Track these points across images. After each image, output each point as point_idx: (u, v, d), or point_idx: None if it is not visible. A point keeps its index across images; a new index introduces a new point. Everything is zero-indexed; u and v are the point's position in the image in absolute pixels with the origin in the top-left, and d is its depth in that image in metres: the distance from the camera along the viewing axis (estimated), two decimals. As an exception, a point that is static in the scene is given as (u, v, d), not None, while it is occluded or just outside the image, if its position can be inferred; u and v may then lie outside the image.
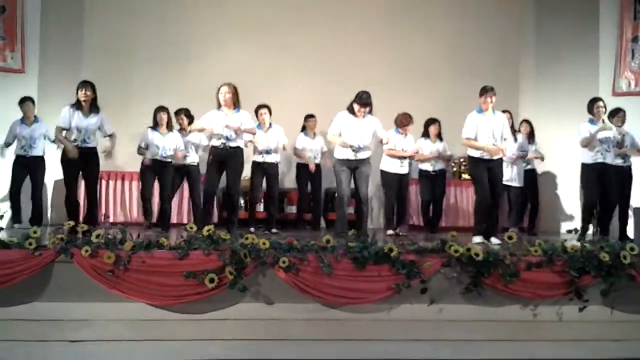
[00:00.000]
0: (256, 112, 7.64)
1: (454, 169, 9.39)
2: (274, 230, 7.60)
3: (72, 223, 5.03)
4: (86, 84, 6.52)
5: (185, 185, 8.13)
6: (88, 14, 9.03)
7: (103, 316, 4.68)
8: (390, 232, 7.66)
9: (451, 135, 7.92)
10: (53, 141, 7.30)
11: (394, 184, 7.80)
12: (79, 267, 4.62)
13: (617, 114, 7.41)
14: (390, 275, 4.77)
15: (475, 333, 4.87)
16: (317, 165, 8.33)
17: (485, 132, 6.51)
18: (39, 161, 7.50)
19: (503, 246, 5.14)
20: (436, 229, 8.14)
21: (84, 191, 6.78)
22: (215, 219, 8.38)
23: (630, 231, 7.12)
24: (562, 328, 4.92)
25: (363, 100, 6.58)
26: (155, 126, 7.38)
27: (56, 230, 4.95)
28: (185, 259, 4.69)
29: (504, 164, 7.16)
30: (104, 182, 8.55)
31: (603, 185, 7.08)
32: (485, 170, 6.52)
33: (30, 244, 4.64)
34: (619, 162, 7.21)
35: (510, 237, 5.12)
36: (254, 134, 7.08)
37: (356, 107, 6.60)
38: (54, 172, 7.54)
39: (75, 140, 6.45)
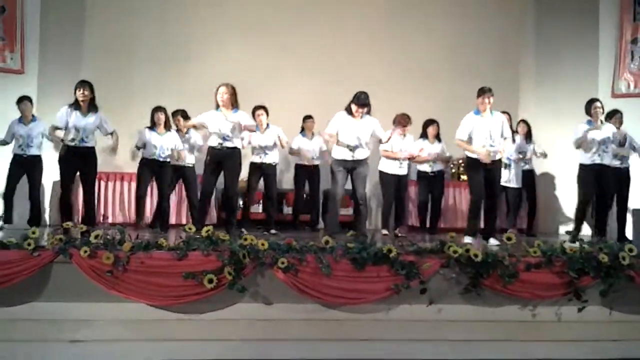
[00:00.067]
0: (253, 113, 7.63)
1: (453, 170, 9.39)
2: (272, 231, 7.59)
3: (70, 224, 5.03)
4: (84, 84, 6.51)
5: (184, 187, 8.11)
6: (88, 14, 9.04)
7: (102, 316, 4.68)
8: (384, 232, 7.66)
9: (451, 136, 7.84)
10: (51, 140, 7.30)
11: (392, 185, 7.81)
12: (78, 268, 4.62)
13: (614, 116, 7.42)
14: (389, 276, 4.78)
15: (474, 333, 4.88)
16: (316, 167, 8.33)
17: (481, 133, 6.51)
18: (37, 161, 7.49)
19: (502, 247, 5.13)
20: (435, 229, 8.14)
21: (82, 191, 6.72)
22: (214, 219, 8.44)
23: (628, 232, 7.12)
24: (561, 328, 4.93)
25: (361, 100, 6.56)
26: (153, 126, 7.38)
27: (55, 231, 4.95)
28: (184, 260, 4.69)
29: (503, 165, 7.17)
30: (102, 183, 8.54)
31: (601, 186, 7.07)
32: (482, 172, 6.52)
33: (29, 244, 4.64)
34: (616, 163, 7.21)
35: (509, 238, 5.12)
36: (253, 131, 7.06)
37: (354, 107, 6.58)
38: (52, 173, 7.53)
39: (73, 139, 6.44)
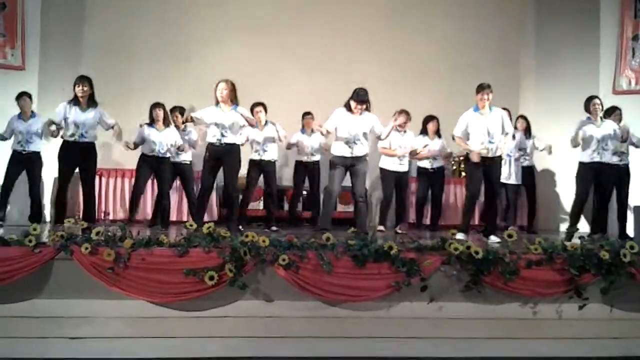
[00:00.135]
0: (251, 110, 7.62)
1: (454, 167, 9.39)
2: (273, 228, 7.60)
3: (71, 220, 5.03)
4: (83, 79, 6.51)
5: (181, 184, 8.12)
6: (89, 12, 9.05)
7: (103, 313, 4.68)
8: (380, 227, 7.65)
9: (451, 134, 7.91)
10: (42, 136, 7.32)
11: (392, 182, 7.82)
12: (79, 265, 4.62)
13: (613, 112, 7.40)
14: (390, 273, 4.77)
15: (475, 331, 4.88)
16: (316, 163, 8.32)
17: (479, 130, 6.52)
18: (36, 157, 7.46)
19: (503, 244, 5.13)
20: (436, 226, 8.14)
21: (81, 187, 6.70)
22: (215, 216, 8.45)
23: (630, 229, 7.13)
24: (562, 326, 4.93)
25: (360, 97, 6.54)
26: (152, 122, 7.38)
27: (56, 228, 4.95)
28: (185, 257, 4.69)
29: (503, 162, 7.18)
30: (103, 179, 8.56)
31: (600, 184, 7.07)
32: (481, 168, 6.53)
33: (30, 241, 4.64)
34: (615, 160, 7.18)
35: (510, 235, 5.12)
36: (252, 126, 7.06)
37: (353, 104, 6.57)
38: (53, 169, 7.52)
39: (72, 135, 6.43)
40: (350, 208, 8.10)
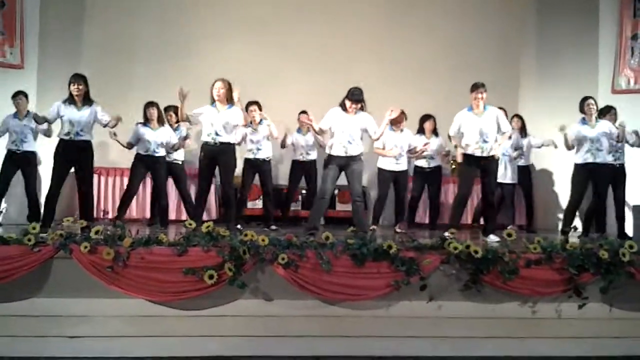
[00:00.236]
0: (246, 108, 7.61)
1: (453, 167, 9.38)
2: (272, 227, 7.59)
3: (70, 219, 5.01)
4: (78, 77, 6.46)
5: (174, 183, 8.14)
6: (88, 11, 9.04)
7: (102, 312, 4.69)
8: (373, 227, 7.65)
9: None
10: (47, 135, 7.30)
11: (388, 181, 7.82)
12: (78, 263, 4.62)
13: (608, 112, 7.40)
14: (389, 272, 4.78)
15: (474, 330, 4.89)
16: (312, 162, 8.31)
17: (472, 129, 6.53)
18: (31, 157, 7.44)
19: (502, 243, 5.13)
20: (435, 226, 8.13)
21: (77, 186, 6.63)
22: (214, 215, 8.44)
23: (629, 229, 7.12)
24: (561, 325, 4.94)
25: (355, 96, 6.51)
26: (146, 122, 7.38)
27: (55, 226, 4.95)
28: (184, 256, 4.70)
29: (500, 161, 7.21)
30: (102, 179, 8.57)
31: (595, 185, 7.08)
32: (474, 168, 6.55)
33: (29, 239, 4.64)
34: (610, 160, 7.17)
35: (509, 235, 5.12)
36: (244, 125, 7.06)
37: (348, 103, 6.54)
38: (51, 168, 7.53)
39: (68, 133, 6.41)
40: (350, 207, 8.08)
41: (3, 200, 7.39)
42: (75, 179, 6.55)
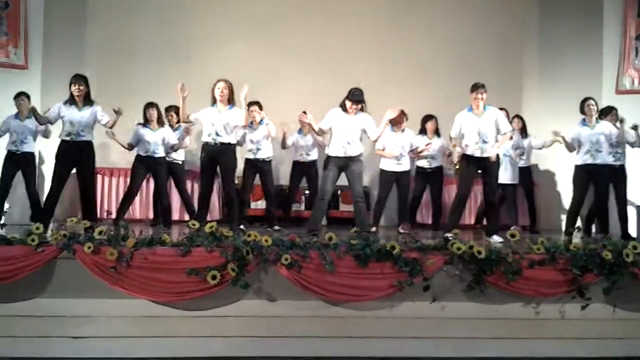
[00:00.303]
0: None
1: (457, 167, 9.36)
2: (276, 227, 7.60)
3: (73, 219, 5.03)
4: (79, 78, 6.47)
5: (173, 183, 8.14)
6: (91, 12, 9.06)
7: (105, 312, 4.69)
8: (373, 228, 7.63)
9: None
10: (45, 136, 7.29)
11: (390, 182, 7.81)
12: (82, 264, 4.62)
13: (609, 113, 7.38)
14: (392, 273, 4.77)
15: (477, 331, 4.87)
16: (313, 163, 8.31)
17: (471, 130, 6.54)
18: (31, 158, 7.45)
19: (505, 244, 5.12)
20: (438, 226, 8.13)
21: (79, 187, 6.61)
22: (217, 215, 8.45)
23: (631, 229, 7.12)
24: (565, 326, 4.92)
25: (355, 97, 6.51)
26: (146, 123, 7.38)
27: (59, 227, 4.95)
28: (187, 256, 4.70)
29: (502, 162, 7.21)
30: (106, 179, 8.59)
31: (595, 186, 7.08)
32: (473, 168, 6.56)
33: (33, 240, 4.65)
34: (610, 160, 7.16)
35: (512, 235, 5.11)
36: (245, 126, 7.07)
37: (348, 103, 6.54)
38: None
39: (69, 134, 6.42)
40: (352, 207, 8.09)
41: (6, 200, 7.39)
42: (77, 180, 6.55)
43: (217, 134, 6.58)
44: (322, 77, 9.15)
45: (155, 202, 8.09)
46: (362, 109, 6.62)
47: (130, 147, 7.39)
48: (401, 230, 7.68)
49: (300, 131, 8.36)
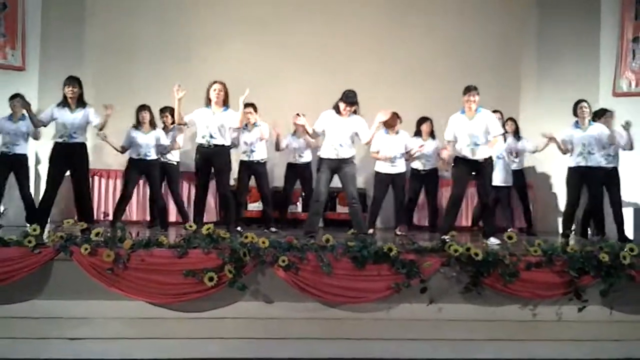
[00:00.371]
0: None
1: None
2: (272, 229, 7.59)
3: (70, 221, 5.01)
4: (73, 80, 6.46)
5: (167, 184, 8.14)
6: (89, 12, 9.04)
7: (102, 314, 4.69)
8: (370, 231, 7.64)
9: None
10: (35, 137, 7.32)
11: (385, 184, 7.81)
12: (79, 265, 4.63)
13: (602, 115, 7.38)
14: (389, 275, 4.78)
15: (474, 332, 4.88)
16: (307, 165, 8.31)
17: (462, 132, 6.55)
18: (22, 159, 7.41)
19: (502, 246, 5.13)
20: (435, 228, 8.12)
21: (73, 189, 6.57)
22: (214, 217, 8.44)
23: (628, 231, 7.11)
24: (562, 328, 4.93)
25: (349, 98, 6.50)
26: (138, 125, 7.38)
27: (56, 228, 4.95)
28: (184, 258, 4.70)
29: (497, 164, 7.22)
30: (103, 181, 8.58)
31: (589, 188, 7.09)
32: (466, 170, 6.56)
33: (30, 241, 4.65)
34: (603, 163, 7.16)
35: (510, 237, 5.11)
36: (239, 128, 7.08)
37: (342, 105, 6.53)
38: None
39: (61, 136, 6.41)
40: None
41: (1, 202, 7.37)
42: (71, 182, 6.54)
43: (211, 136, 6.59)
44: (322, 77, 9.13)
45: (152, 204, 8.09)
46: (355, 111, 6.61)
47: (123, 149, 7.40)
48: (398, 232, 7.68)
49: (294, 133, 8.35)
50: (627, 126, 7.07)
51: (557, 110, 8.65)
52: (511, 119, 8.49)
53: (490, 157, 6.63)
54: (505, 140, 8.00)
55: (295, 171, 8.31)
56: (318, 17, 9.54)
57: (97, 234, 4.70)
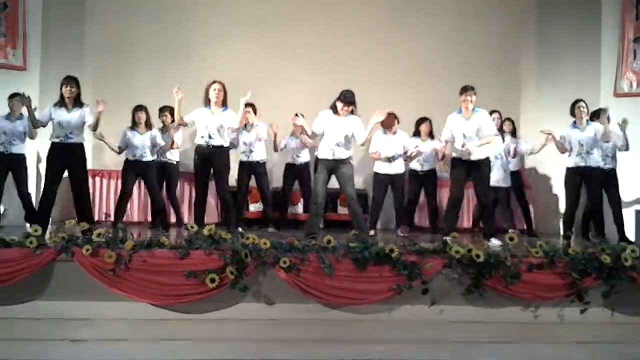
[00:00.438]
0: None
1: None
2: (270, 229, 7.59)
3: (72, 221, 5.01)
4: (71, 80, 6.44)
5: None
6: (90, 12, 9.03)
7: (104, 315, 4.70)
8: (370, 232, 7.63)
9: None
10: (30, 136, 7.31)
11: (383, 185, 7.81)
12: (80, 266, 4.63)
13: (600, 114, 7.38)
14: (391, 276, 4.79)
15: (476, 334, 4.88)
16: (305, 165, 8.31)
17: (458, 132, 6.56)
18: (20, 158, 7.35)
19: (504, 248, 5.13)
20: (435, 229, 8.11)
21: (72, 189, 6.55)
22: (215, 218, 8.44)
23: (631, 233, 7.11)
24: (563, 330, 4.94)
25: (347, 98, 6.48)
26: (134, 126, 7.38)
27: (57, 229, 4.95)
28: (186, 259, 4.71)
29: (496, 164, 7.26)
30: (104, 181, 8.57)
31: (588, 188, 7.09)
32: (462, 170, 6.56)
33: (31, 242, 4.65)
34: (600, 164, 7.15)
35: (511, 239, 5.11)
36: (238, 128, 7.09)
37: (339, 105, 6.51)
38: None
39: (58, 136, 6.40)
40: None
41: (1, 202, 7.36)
42: (70, 183, 6.54)
43: (210, 137, 6.59)
44: (322, 77, 9.11)
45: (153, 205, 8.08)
46: (352, 112, 6.59)
47: (120, 150, 7.39)
48: (400, 234, 7.67)
49: (293, 133, 8.35)
50: (623, 125, 7.08)
51: (558, 111, 8.64)
52: (509, 119, 8.48)
53: (488, 158, 6.63)
54: (503, 140, 7.99)
55: (294, 172, 8.31)
56: (318, 17, 9.53)
57: (98, 235, 4.70)
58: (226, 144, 6.74)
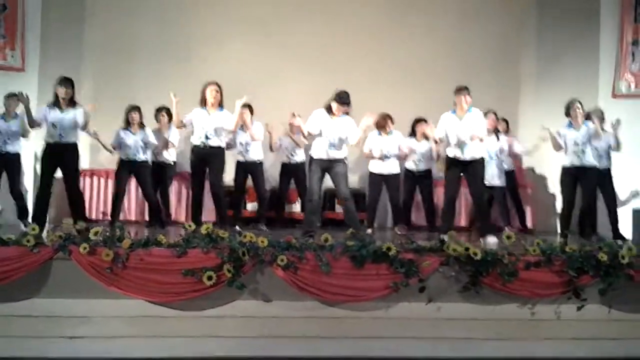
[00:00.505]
0: None
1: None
2: (261, 227, 7.60)
3: (70, 221, 5.04)
4: (67, 82, 6.47)
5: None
6: (89, 12, 9.05)
7: (101, 313, 4.71)
8: (369, 230, 7.63)
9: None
10: (23, 135, 7.28)
11: (378, 185, 7.83)
12: (78, 264, 4.64)
13: (594, 114, 7.37)
14: (388, 274, 4.79)
15: (473, 331, 4.88)
16: (301, 164, 8.31)
17: (451, 132, 6.57)
18: (13, 157, 7.31)
19: (501, 245, 5.13)
20: (433, 228, 8.10)
21: (65, 188, 6.57)
22: (213, 217, 8.44)
23: (628, 232, 7.10)
24: (560, 327, 4.94)
25: (342, 99, 6.47)
26: (127, 126, 7.40)
27: (54, 228, 4.96)
28: (183, 257, 4.72)
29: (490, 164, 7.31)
30: (102, 180, 8.58)
31: (582, 187, 7.09)
32: (456, 170, 6.57)
33: (29, 241, 4.66)
34: (595, 163, 7.15)
35: (508, 237, 5.12)
36: (233, 130, 7.10)
37: (334, 105, 6.51)
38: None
39: (51, 136, 6.43)
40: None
41: None
42: (63, 182, 6.56)
43: (206, 137, 6.62)
44: (322, 77, 9.09)
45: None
46: (347, 113, 6.59)
47: (113, 149, 7.41)
48: (398, 232, 7.68)
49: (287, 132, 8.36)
50: (616, 125, 7.09)
51: (557, 112, 8.59)
52: (503, 119, 8.48)
53: (482, 157, 6.64)
54: (497, 139, 7.99)
55: (289, 170, 8.32)
56: (318, 17, 9.54)
57: (96, 234, 4.71)
58: (223, 145, 6.77)
